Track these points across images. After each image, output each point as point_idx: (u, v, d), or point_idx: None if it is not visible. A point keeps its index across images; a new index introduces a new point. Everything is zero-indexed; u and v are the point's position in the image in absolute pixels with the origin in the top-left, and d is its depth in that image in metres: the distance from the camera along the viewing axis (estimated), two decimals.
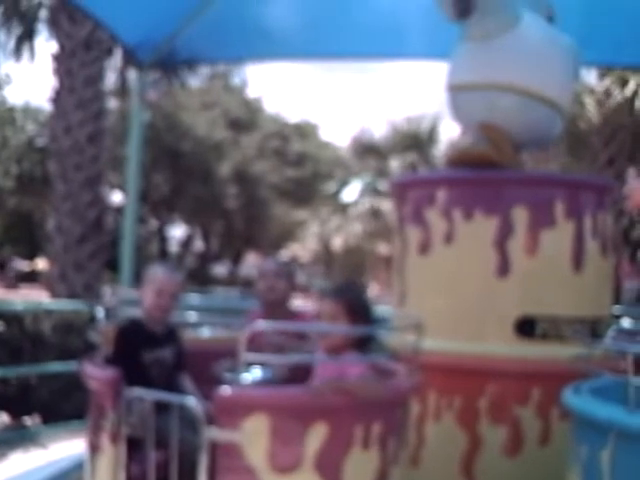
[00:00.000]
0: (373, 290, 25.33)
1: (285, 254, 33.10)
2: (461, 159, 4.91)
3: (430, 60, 7.60)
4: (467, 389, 4.44)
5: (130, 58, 9.83)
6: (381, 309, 5.77)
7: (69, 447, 6.65)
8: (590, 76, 16.56)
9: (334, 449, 3.04)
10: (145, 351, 3.64)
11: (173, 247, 34.15)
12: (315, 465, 3.01)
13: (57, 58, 12.55)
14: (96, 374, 3.49)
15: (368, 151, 30.42)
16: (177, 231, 34.44)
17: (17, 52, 14.29)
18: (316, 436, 3.01)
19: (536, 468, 4.36)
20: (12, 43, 14.24)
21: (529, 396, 4.39)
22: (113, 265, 12.01)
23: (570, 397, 3.18)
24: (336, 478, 3.06)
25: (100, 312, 3.76)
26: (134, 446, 3.30)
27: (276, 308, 4.20)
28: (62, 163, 12.36)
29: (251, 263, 35.82)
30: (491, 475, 4.38)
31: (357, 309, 3.36)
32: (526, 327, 4.45)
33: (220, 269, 35.42)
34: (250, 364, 3.20)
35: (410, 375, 3.47)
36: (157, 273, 3.77)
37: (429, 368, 3.71)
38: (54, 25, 12.98)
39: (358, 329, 3.29)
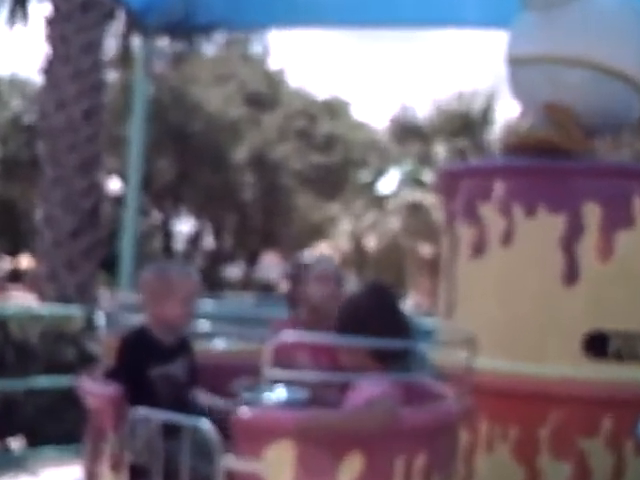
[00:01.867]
0: (413, 299, 25.28)
1: (309, 255, 33.14)
2: (521, 145, 4.91)
3: (485, 29, 7.58)
4: (525, 416, 4.44)
5: (134, 22, 9.89)
6: (424, 321, 5.76)
7: (61, 474, 6.72)
8: None
9: None
10: (153, 365, 3.64)
11: (179, 244, 34.33)
12: None
13: (50, 22, 12.60)
14: (96, 390, 3.50)
15: (409, 134, 30.41)
16: (184, 226, 34.61)
17: (11, 18, 14.37)
18: (350, 468, 3.00)
19: None
20: (5, 8, 14.32)
21: (598, 426, 4.37)
22: (109, 264, 12.07)
23: None
24: None
25: (101, 319, 3.78)
26: (138, 475, 3.31)
27: (323, 320, 3.97)
28: (53, 144, 12.41)
29: (269, 264, 35.91)
30: None
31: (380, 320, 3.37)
32: (596, 345, 4.43)
33: (233, 270, 35.56)
34: (274, 382, 3.20)
35: (459, 398, 3.46)
36: (184, 277, 3.78)
37: (481, 391, 3.69)
38: None
39: (394, 343, 3.27)
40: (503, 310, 4.59)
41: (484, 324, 4.38)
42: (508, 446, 4.46)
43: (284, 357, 3.03)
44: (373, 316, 3.35)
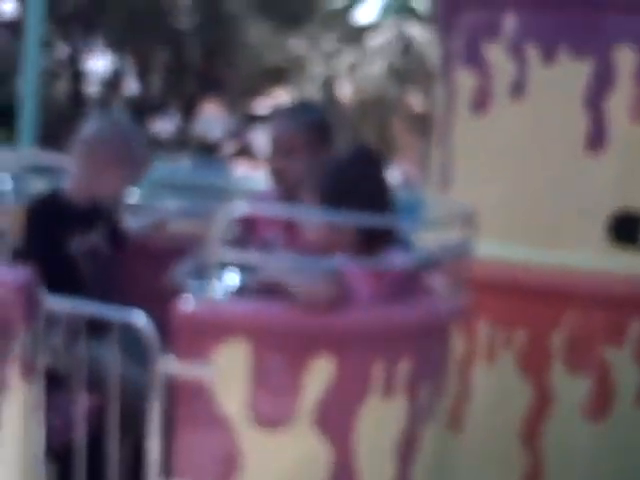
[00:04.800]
0: (400, 167, 25.31)
1: (264, 104, 33.00)
2: None
3: None
4: (535, 319, 4.54)
5: None
6: (412, 195, 5.81)
7: None
8: None
9: (343, 395, 3.13)
10: (71, 236, 3.69)
11: (92, 87, 33.99)
12: (316, 418, 3.11)
13: None
14: None
15: None
16: (98, 63, 34.20)
17: None
18: (319, 374, 3.09)
19: (630, 437, 4.48)
20: None
21: (625, 333, 4.49)
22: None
23: None
24: (344, 438, 3.16)
25: (5, 182, 3.80)
26: (55, 383, 3.38)
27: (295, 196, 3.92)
28: None
29: (211, 117, 35.72)
30: (565, 445, 4.51)
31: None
32: (625, 228, 4.50)
33: (164, 125, 35.31)
34: (225, 265, 3.23)
35: (452, 293, 3.52)
36: (143, 143, 3.88)
37: (481, 285, 3.78)
38: None
39: (370, 219, 3.34)
40: (510, 182, 4.64)
41: (487, 200, 4.45)
42: (513, 355, 4.58)
43: (244, 236, 3.10)
44: (359, 189, 3.45)
